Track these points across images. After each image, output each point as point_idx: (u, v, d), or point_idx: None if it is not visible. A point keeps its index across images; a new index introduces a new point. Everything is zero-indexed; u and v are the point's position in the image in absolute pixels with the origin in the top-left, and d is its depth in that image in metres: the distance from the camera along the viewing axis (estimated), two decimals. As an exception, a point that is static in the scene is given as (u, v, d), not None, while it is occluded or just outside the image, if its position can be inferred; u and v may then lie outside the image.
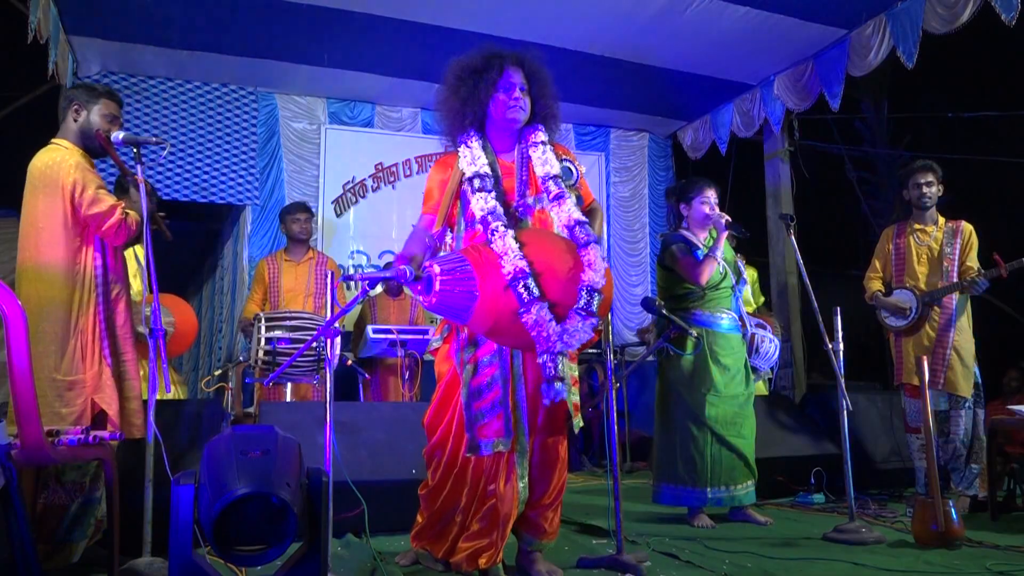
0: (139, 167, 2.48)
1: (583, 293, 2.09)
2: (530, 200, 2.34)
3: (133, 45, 4.88)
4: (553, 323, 2.05)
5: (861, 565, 2.49)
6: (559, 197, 2.29)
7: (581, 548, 2.77)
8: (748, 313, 3.57)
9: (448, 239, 2.43)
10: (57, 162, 2.44)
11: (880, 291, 3.81)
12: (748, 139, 5.99)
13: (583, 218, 2.25)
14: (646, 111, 6.30)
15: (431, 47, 4.86)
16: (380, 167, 5.95)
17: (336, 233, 5.74)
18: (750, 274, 4.98)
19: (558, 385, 2.13)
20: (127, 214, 2.48)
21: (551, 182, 2.31)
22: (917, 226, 3.74)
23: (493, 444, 2.23)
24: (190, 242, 6.17)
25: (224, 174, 5.44)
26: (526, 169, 2.37)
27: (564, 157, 2.41)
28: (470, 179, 2.30)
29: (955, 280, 3.58)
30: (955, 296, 3.59)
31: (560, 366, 2.13)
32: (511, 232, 2.14)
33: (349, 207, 5.84)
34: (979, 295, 3.63)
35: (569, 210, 2.27)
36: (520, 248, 2.09)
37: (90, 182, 2.45)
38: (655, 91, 5.79)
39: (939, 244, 3.66)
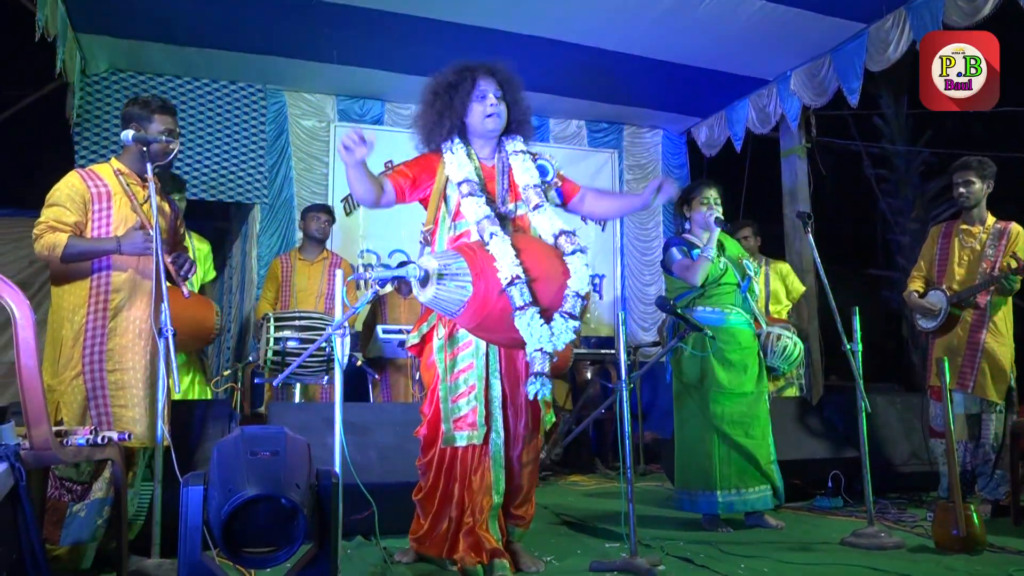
0: (149, 166, 2.48)
1: (568, 298, 2.27)
2: (511, 206, 2.49)
3: (141, 43, 4.86)
4: (544, 326, 2.22)
5: (880, 570, 2.44)
6: (539, 207, 2.46)
7: (593, 552, 2.75)
8: (771, 318, 3.53)
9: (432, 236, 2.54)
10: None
11: (917, 291, 3.72)
12: (764, 136, 5.92)
13: (567, 227, 2.43)
14: (660, 107, 6.23)
15: (442, 43, 4.83)
16: (390, 165, 5.92)
17: (345, 232, 5.72)
18: (783, 267, 4.91)
19: (542, 382, 2.27)
20: (39, 237, 2.45)
21: (532, 191, 2.48)
22: (963, 226, 3.63)
23: (468, 436, 2.38)
24: (197, 241, 6.16)
25: (233, 172, 5.43)
26: (507, 176, 2.53)
27: (539, 155, 2.60)
28: (459, 183, 2.43)
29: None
30: (989, 297, 3.48)
31: (546, 365, 2.26)
32: (508, 239, 2.29)
33: (359, 206, 5.81)
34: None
35: (551, 220, 2.44)
36: (516, 255, 2.24)
37: (51, 203, 2.50)
38: (669, 87, 5.73)
39: (982, 246, 3.53)
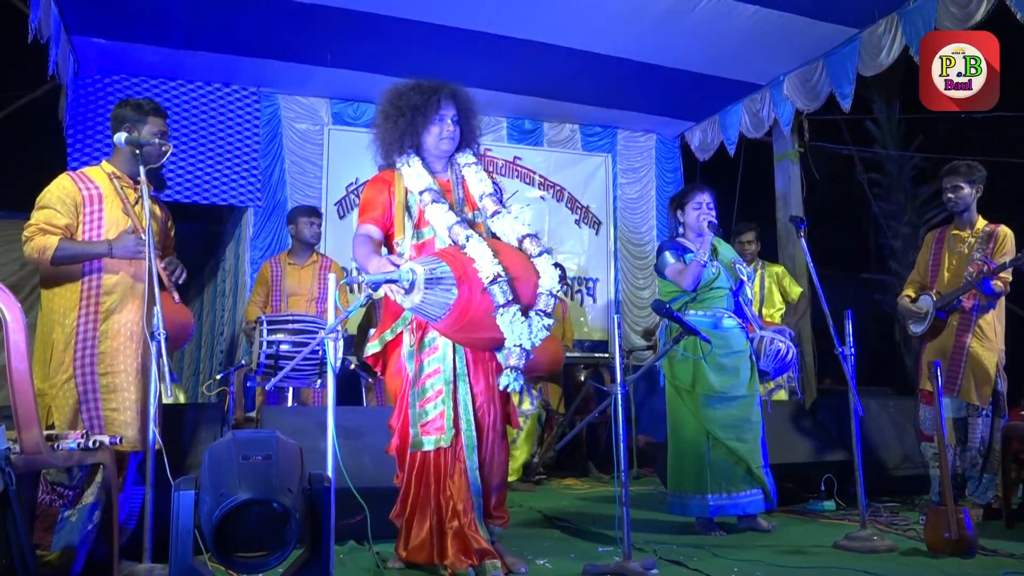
0: (141, 168, 2.47)
1: (542, 296, 2.36)
2: (469, 215, 2.56)
3: (135, 45, 4.86)
4: (524, 323, 2.28)
5: (872, 574, 2.45)
6: (498, 213, 2.52)
7: (587, 556, 2.74)
8: (764, 322, 3.53)
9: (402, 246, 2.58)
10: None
11: (909, 296, 3.74)
12: (757, 140, 5.94)
13: (531, 231, 2.49)
14: (653, 111, 6.25)
15: (435, 46, 4.84)
16: (384, 168, 5.92)
17: (338, 236, 5.70)
18: (778, 270, 4.92)
19: (515, 375, 2.33)
20: (30, 239, 2.45)
21: (488, 199, 2.57)
22: (954, 231, 3.64)
23: (435, 440, 2.42)
24: (191, 244, 6.10)
25: (226, 175, 5.42)
26: (461, 187, 2.62)
27: (492, 178, 2.68)
28: (421, 192, 2.51)
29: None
30: (976, 301, 3.50)
31: (522, 360, 2.32)
32: (485, 241, 2.35)
33: (352, 209, 5.80)
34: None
35: (514, 223, 2.49)
36: (494, 255, 2.29)
37: (41, 205, 2.49)
38: (662, 91, 5.74)
39: (970, 249, 3.53)
